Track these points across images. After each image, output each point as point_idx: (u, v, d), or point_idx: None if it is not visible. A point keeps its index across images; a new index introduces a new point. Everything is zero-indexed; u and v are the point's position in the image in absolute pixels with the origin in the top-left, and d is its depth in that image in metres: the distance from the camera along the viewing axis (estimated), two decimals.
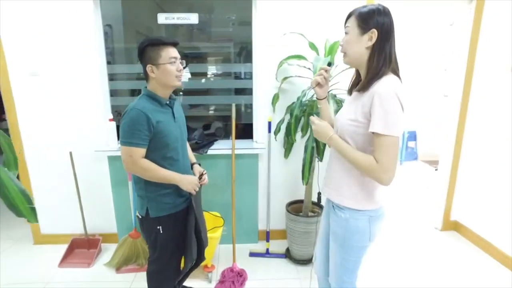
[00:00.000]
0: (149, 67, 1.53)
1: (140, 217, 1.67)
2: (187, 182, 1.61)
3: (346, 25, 1.26)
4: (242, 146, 2.58)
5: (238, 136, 2.58)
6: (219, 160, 2.60)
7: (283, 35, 2.40)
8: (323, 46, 2.28)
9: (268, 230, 2.67)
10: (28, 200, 0.98)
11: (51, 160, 2.59)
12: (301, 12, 2.43)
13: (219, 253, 2.64)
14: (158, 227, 1.64)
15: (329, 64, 1.47)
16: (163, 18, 2.46)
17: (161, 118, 1.54)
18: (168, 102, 1.62)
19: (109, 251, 2.63)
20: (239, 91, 2.88)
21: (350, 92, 1.37)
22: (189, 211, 1.67)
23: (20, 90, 2.47)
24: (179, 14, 2.45)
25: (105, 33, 2.87)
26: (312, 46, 2.27)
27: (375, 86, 1.19)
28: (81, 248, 2.63)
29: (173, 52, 1.54)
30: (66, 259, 2.51)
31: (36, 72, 2.43)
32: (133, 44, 3.03)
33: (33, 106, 2.51)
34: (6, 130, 2.98)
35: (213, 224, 2.40)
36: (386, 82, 1.18)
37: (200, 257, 1.78)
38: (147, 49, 1.53)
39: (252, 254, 2.63)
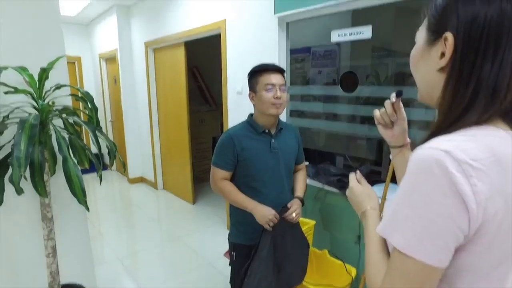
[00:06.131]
0: (250, 94, 1.55)
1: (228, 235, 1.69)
2: (260, 213, 1.45)
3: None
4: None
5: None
6: None
7: None
8: None
9: None
10: (84, 193, 1.33)
11: None
12: None
13: None
14: (232, 253, 1.63)
15: (399, 94, 0.79)
16: (336, 36, 2.27)
17: (250, 146, 1.50)
18: (266, 131, 1.54)
19: None
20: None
21: None
22: (257, 249, 1.47)
23: (231, 104, 3.16)
24: (351, 29, 2.16)
25: (333, 52, 2.97)
26: None
27: None
28: None
29: (271, 79, 1.47)
30: None
31: (240, 91, 2.99)
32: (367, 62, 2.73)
33: (236, 117, 3.10)
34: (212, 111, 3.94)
35: (338, 280, 1.97)
36: (448, 140, 0.53)
37: None
38: (252, 76, 1.54)
39: None
